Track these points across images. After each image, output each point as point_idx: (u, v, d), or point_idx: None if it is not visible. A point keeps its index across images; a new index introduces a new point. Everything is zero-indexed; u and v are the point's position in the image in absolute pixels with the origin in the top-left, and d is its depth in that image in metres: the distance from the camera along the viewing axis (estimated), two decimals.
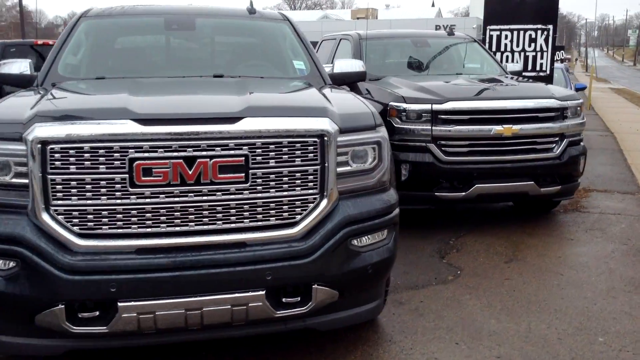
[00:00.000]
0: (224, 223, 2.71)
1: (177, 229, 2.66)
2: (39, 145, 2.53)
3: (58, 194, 2.57)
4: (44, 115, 2.68)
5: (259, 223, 2.75)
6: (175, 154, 2.60)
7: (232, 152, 2.66)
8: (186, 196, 2.64)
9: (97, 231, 2.61)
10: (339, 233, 2.84)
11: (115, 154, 2.56)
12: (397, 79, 6.22)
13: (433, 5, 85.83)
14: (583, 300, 4.07)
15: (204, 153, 2.62)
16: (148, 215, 2.62)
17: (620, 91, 29.61)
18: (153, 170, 2.59)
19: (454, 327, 3.66)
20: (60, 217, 2.58)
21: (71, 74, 3.89)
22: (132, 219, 2.62)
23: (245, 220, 2.73)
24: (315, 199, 2.81)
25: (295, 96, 3.55)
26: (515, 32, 9.08)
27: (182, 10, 4.50)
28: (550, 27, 9.00)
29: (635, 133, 13.07)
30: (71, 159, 2.55)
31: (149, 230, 2.64)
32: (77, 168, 2.55)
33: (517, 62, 9.02)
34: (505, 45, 9.17)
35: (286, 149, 2.73)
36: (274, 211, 2.76)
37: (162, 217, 2.64)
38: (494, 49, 9.10)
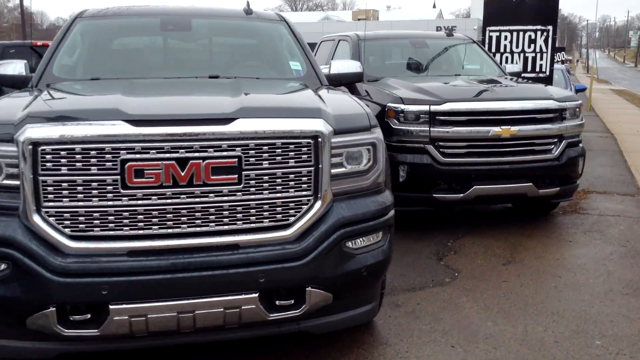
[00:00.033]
0: (216, 225, 2.69)
1: (170, 231, 2.64)
2: (30, 147, 2.51)
3: (49, 195, 2.55)
4: (35, 116, 2.66)
5: (252, 225, 2.73)
6: (167, 155, 2.58)
7: (225, 153, 2.63)
8: (178, 198, 2.62)
9: (89, 233, 2.59)
10: (333, 235, 2.81)
11: (107, 155, 2.54)
12: (395, 80, 6.20)
13: (434, 6, 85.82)
14: (580, 302, 4.04)
15: (197, 154, 2.60)
16: (140, 217, 2.60)
17: (621, 92, 29.58)
18: (145, 171, 2.56)
19: (450, 329, 3.63)
20: (51, 219, 2.56)
21: (66, 74, 3.88)
22: (124, 220, 2.59)
23: (238, 222, 2.71)
24: (309, 200, 2.79)
25: (289, 97, 3.53)
26: (514, 33, 9.05)
27: (178, 10, 4.48)
28: (550, 28, 8.98)
29: (636, 134, 13.03)
30: (62, 160, 2.53)
31: (140, 232, 2.62)
32: (68, 169, 2.53)
33: (516, 63, 8.99)
34: (505, 46, 9.15)
35: (280, 150, 2.71)
36: (267, 213, 2.74)
37: (154, 219, 2.62)
38: (493, 49, 9.08)
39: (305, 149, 2.75)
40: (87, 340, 2.71)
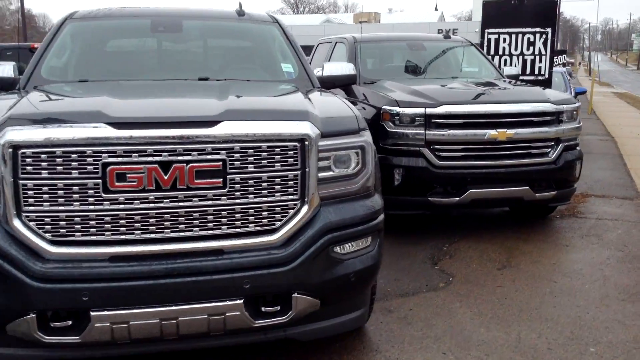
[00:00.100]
0: (200, 230, 2.63)
1: (152, 236, 2.59)
2: (10, 150, 2.46)
3: (30, 199, 2.50)
4: (17, 118, 2.61)
5: (237, 230, 2.67)
6: (150, 158, 2.52)
7: (209, 156, 2.58)
8: (161, 202, 2.56)
9: (70, 238, 2.54)
10: (320, 240, 2.75)
11: (88, 159, 2.49)
12: (391, 83, 6.14)
13: (436, 9, 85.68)
14: (575, 308, 3.98)
15: (180, 158, 2.55)
16: (122, 221, 2.55)
17: (623, 95, 29.51)
18: (127, 175, 2.51)
19: (443, 336, 3.57)
20: (32, 224, 2.51)
21: (55, 76, 3.83)
22: (106, 225, 2.54)
23: (222, 227, 2.65)
24: (295, 205, 2.73)
25: (277, 100, 3.48)
26: (513, 36, 9.01)
27: (169, 12, 4.43)
28: (549, 30, 8.93)
29: (636, 137, 12.96)
30: (43, 163, 2.48)
31: (123, 237, 2.56)
32: (49, 173, 2.48)
33: (515, 65, 8.94)
34: (504, 48, 9.10)
35: (265, 153, 2.66)
36: (252, 217, 2.69)
37: (136, 224, 2.56)
38: (492, 52, 9.03)
39: (292, 152, 2.69)
40: (68, 347, 2.65)
